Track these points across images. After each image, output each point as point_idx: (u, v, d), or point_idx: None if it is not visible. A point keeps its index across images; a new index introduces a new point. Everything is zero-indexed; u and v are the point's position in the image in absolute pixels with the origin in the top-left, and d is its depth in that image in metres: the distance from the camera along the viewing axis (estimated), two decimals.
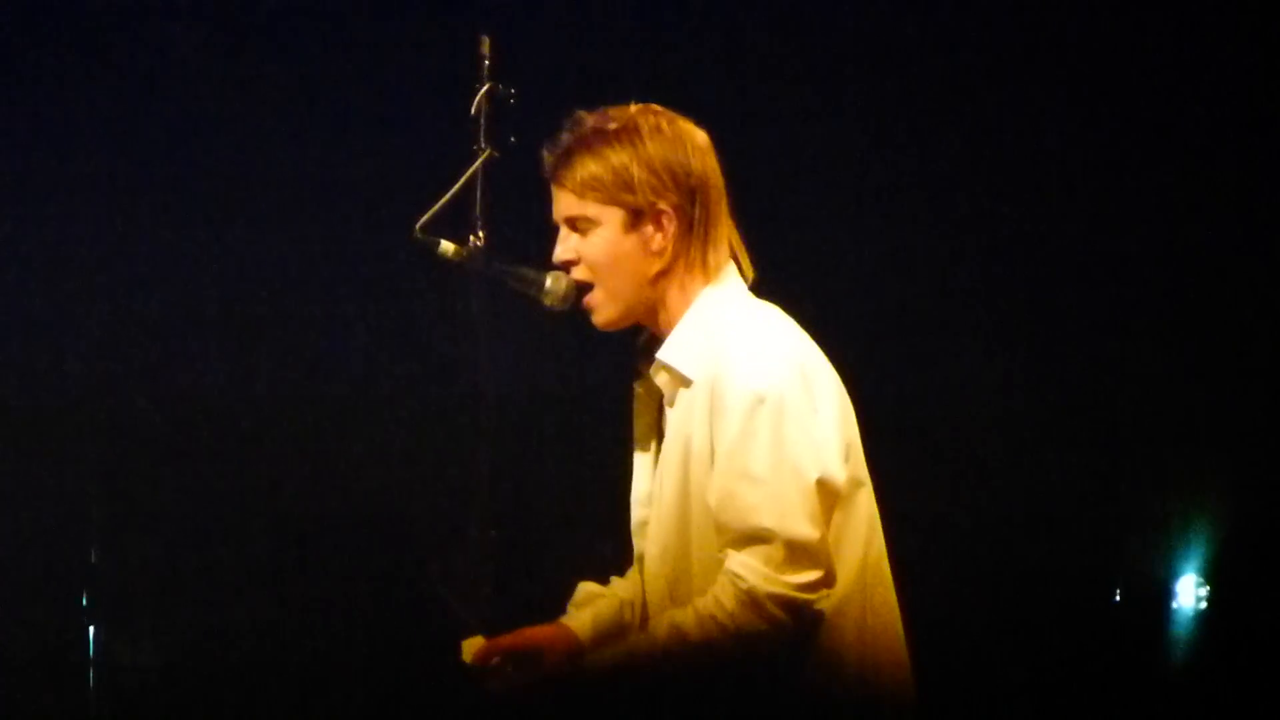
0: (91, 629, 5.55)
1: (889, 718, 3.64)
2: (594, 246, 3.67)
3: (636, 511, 3.79)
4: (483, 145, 3.98)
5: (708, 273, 3.68)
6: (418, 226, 3.84)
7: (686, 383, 3.64)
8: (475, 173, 3.93)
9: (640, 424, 3.80)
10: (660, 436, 3.74)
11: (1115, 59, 5.64)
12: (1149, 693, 5.66)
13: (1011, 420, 5.73)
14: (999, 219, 5.75)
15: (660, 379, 3.69)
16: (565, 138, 3.68)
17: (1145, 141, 5.69)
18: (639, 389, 3.79)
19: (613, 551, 3.96)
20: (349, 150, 5.69)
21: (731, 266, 3.71)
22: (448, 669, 3.76)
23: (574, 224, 3.69)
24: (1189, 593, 5.69)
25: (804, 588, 3.51)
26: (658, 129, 3.66)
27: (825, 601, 3.54)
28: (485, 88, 4.00)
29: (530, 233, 3.83)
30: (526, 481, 5.56)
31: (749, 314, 3.68)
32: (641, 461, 3.80)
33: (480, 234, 3.91)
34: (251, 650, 5.61)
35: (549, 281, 3.77)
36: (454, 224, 3.88)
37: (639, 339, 3.78)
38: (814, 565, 3.51)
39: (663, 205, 3.64)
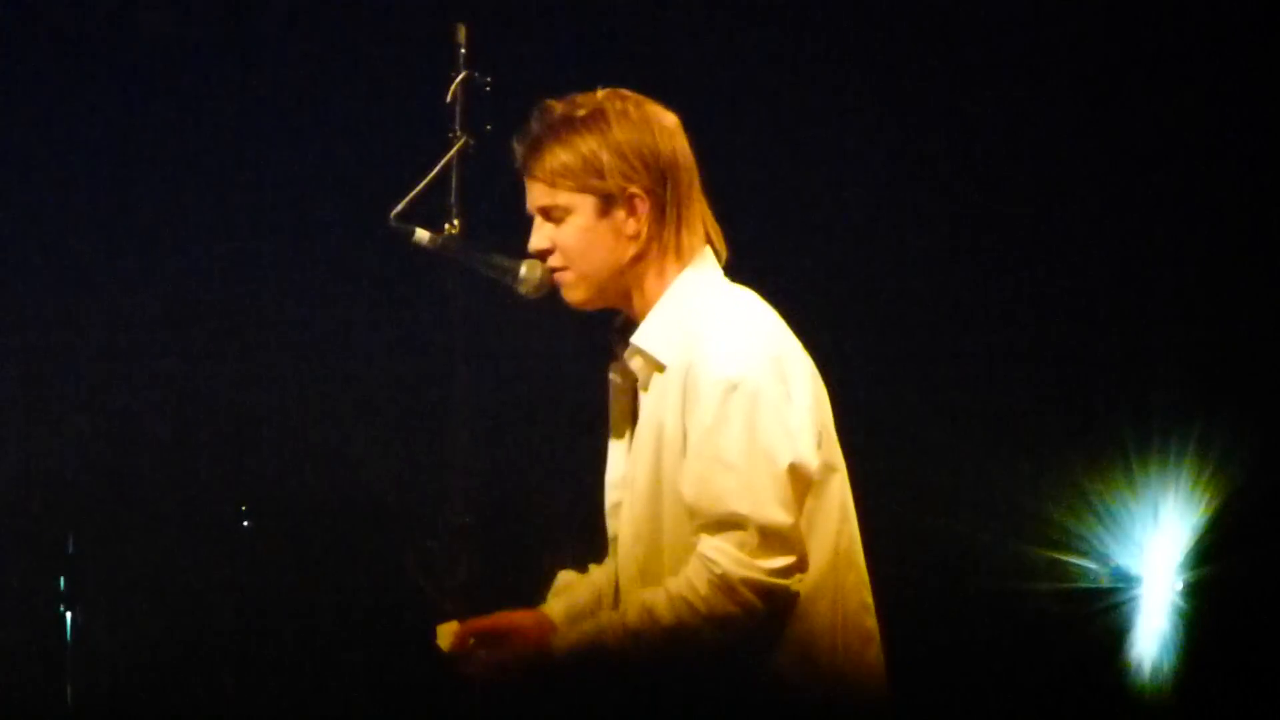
0: (69, 615, 5.55)
1: (861, 703, 3.65)
2: (568, 235, 3.68)
3: (610, 494, 3.80)
4: (458, 133, 3.99)
5: (682, 255, 3.68)
6: (393, 214, 3.85)
7: (660, 367, 3.65)
8: (450, 160, 3.94)
9: (615, 407, 3.81)
10: (635, 420, 3.74)
11: (1109, 58, 5.66)
12: (1127, 679, 5.67)
13: (988, 407, 5.74)
14: (976, 206, 5.76)
15: (634, 363, 3.69)
16: (534, 127, 3.69)
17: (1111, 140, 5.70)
18: (614, 373, 3.80)
19: (592, 537, 3.97)
20: (324, 138, 5.68)
21: (706, 249, 3.72)
22: (423, 653, 3.77)
23: (547, 213, 3.69)
24: (1168, 579, 5.71)
25: (777, 573, 3.52)
26: (625, 113, 3.66)
27: (798, 586, 3.55)
28: (461, 75, 4.01)
29: (505, 220, 3.84)
30: (504, 468, 5.57)
31: (724, 299, 3.69)
32: (616, 445, 3.80)
33: (455, 222, 3.92)
34: (228, 636, 5.61)
35: (524, 269, 3.78)
36: (429, 212, 3.88)
37: (615, 322, 3.78)
38: (787, 551, 3.53)
39: (634, 190, 3.64)
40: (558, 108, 3.69)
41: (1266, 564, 5.50)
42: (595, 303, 3.74)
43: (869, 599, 3.70)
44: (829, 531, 3.62)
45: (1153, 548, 5.69)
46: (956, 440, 5.71)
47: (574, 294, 3.73)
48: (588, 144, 3.64)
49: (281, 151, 5.69)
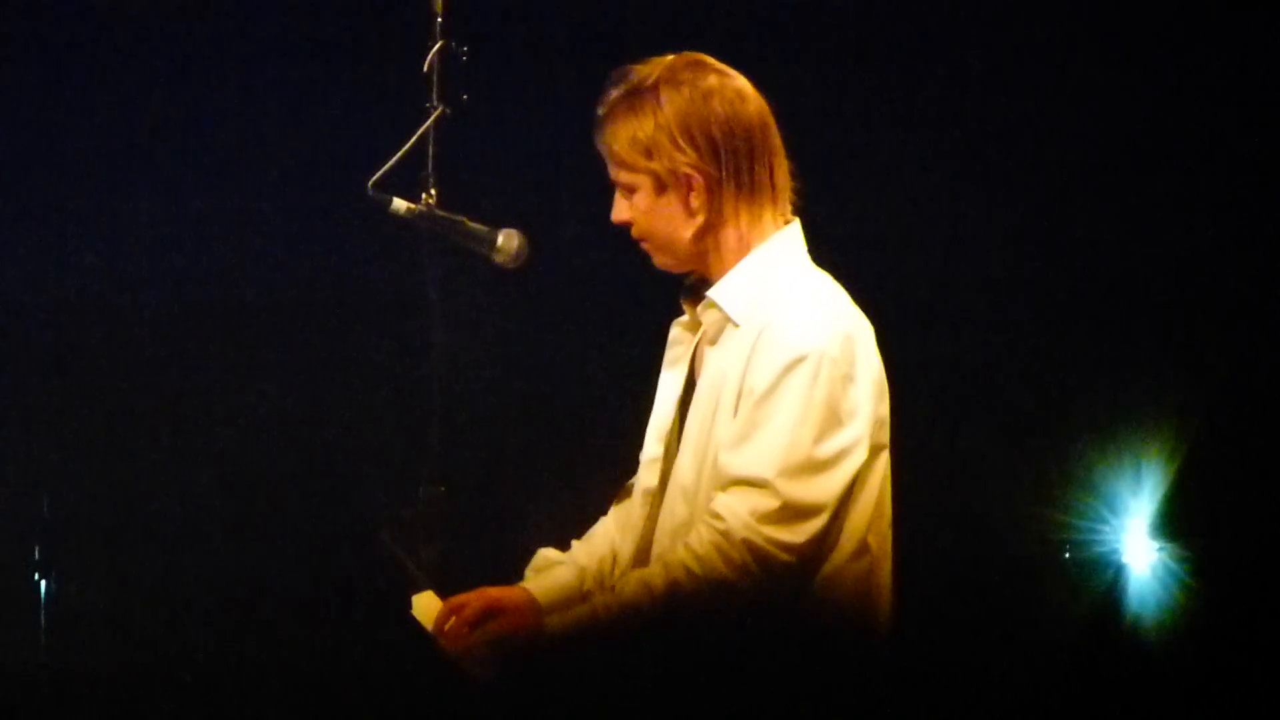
0: (43, 583, 5.55)
1: (862, 691, 3.62)
2: (638, 210, 3.68)
3: (651, 447, 3.76)
4: (435, 103, 3.99)
5: (756, 221, 3.67)
6: (370, 184, 3.84)
7: (733, 324, 3.64)
8: (427, 130, 3.94)
9: (672, 363, 3.79)
10: (690, 379, 3.73)
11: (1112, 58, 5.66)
12: (1103, 653, 5.68)
13: (957, 383, 5.75)
14: (984, 194, 5.75)
15: (708, 316, 3.68)
16: (604, 99, 3.67)
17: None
18: (677, 328, 3.79)
19: (571, 507, 3.96)
20: (299, 108, 5.67)
21: (795, 224, 3.70)
22: (398, 622, 3.77)
23: (620, 187, 3.70)
24: (1141, 549, 5.73)
25: (783, 546, 3.48)
26: (678, 87, 3.63)
27: (816, 572, 3.52)
28: (437, 45, 4.01)
29: (482, 190, 3.83)
30: (479, 438, 5.57)
31: (805, 274, 3.69)
32: (664, 399, 3.77)
33: (432, 192, 3.92)
34: (202, 606, 5.61)
35: (500, 239, 3.78)
36: (406, 181, 3.88)
37: (686, 280, 3.77)
38: (802, 529, 3.49)
39: (685, 169, 3.63)
40: (628, 75, 3.66)
41: (1246, 532, 5.52)
42: (680, 268, 3.73)
43: (889, 592, 3.67)
44: (862, 519, 3.59)
45: (1127, 509, 5.71)
46: (926, 415, 5.71)
47: (657, 261, 3.73)
48: (640, 124, 3.62)
49: (256, 122, 5.67)
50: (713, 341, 3.68)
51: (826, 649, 3.57)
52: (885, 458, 3.64)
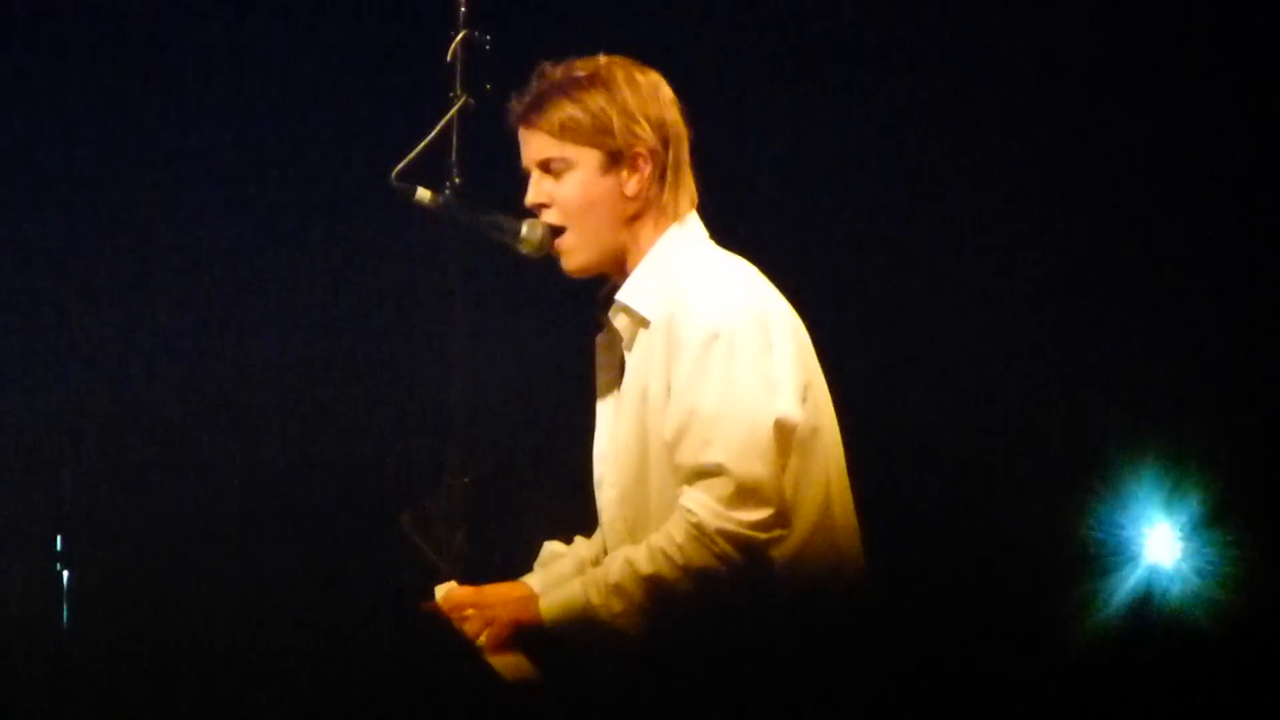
0: (65, 573, 5.55)
1: (844, 661, 3.64)
2: (568, 189, 3.70)
3: (598, 467, 3.81)
4: (458, 92, 3.99)
5: (674, 217, 3.72)
6: (393, 174, 3.85)
7: (644, 323, 3.67)
8: (451, 120, 3.95)
9: (602, 378, 3.82)
10: (621, 389, 3.75)
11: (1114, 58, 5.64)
12: (1121, 651, 5.67)
13: (972, 368, 5.73)
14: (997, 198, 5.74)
15: (619, 321, 3.71)
16: (536, 85, 3.71)
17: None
18: (601, 343, 3.81)
19: (582, 504, 3.96)
20: (322, 97, 5.66)
21: (693, 213, 3.75)
22: (419, 613, 3.77)
23: (548, 166, 3.70)
24: (1162, 545, 5.71)
25: (755, 525, 3.52)
26: (631, 78, 3.70)
27: (781, 544, 3.55)
28: (461, 35, 4.01)
29: (506, 180, 3.83)
30: (503, 430, 5.57)
31: (707, 256, 3.72)
32: (604, 416, 3.81)
33: (456, 181, 3.93)
34: (224, 597, 5.61)
35: (524, 228, 3.77)
36: (430, 171, 3.88)
37: (600, 292, 3.79)
38: (765, 504, 3.53)
39: (640, 149, 3.67)
40: (558, 69, 3.71)
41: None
42: (594, 268, 3.75)
43: (861, 558, 3.71)
44: (818, 488, 3.64)
45: (1148, 504, 5.70)
46: (941, 399, 5.70)
47: (572, 259, 3.73)
48: (597, 101, 3.67)
49: (278, 112, 5.67)
50: (629, 347, 3.72)
51: (805, 617, 3.60)
52: (829, 426, 3.68)
